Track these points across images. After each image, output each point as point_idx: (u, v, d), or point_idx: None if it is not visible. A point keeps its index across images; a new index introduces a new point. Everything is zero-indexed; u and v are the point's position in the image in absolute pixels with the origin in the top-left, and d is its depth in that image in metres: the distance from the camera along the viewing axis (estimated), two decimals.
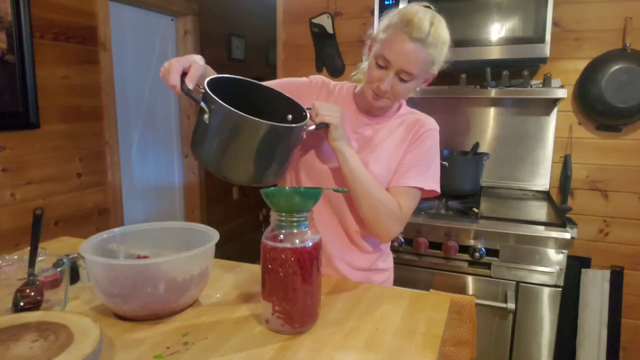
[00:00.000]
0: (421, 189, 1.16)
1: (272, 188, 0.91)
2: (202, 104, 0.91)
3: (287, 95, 1.10)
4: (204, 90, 0.91)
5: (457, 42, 1.89)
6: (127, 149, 2.99)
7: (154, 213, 3.20)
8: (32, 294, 0.90)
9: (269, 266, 0.86)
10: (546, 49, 1.81)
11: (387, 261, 1.29)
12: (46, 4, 2.19)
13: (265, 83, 1.16)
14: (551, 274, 1.63)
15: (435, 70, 1.10)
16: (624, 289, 2.08)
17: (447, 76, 2.28)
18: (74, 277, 1.08)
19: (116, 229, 1.03)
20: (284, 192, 0.90)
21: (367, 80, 1.11)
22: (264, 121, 0.90)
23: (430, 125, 1.19)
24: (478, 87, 2.05)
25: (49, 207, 2.22)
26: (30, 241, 0.97)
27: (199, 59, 0.97)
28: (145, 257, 1.04)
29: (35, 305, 0.90)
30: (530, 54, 1.84)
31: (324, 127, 1.05)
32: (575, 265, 2.09)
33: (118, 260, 0.98)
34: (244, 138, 0.92)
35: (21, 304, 0.89)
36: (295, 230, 0.86)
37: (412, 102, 2.37)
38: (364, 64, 1.20)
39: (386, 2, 2.00)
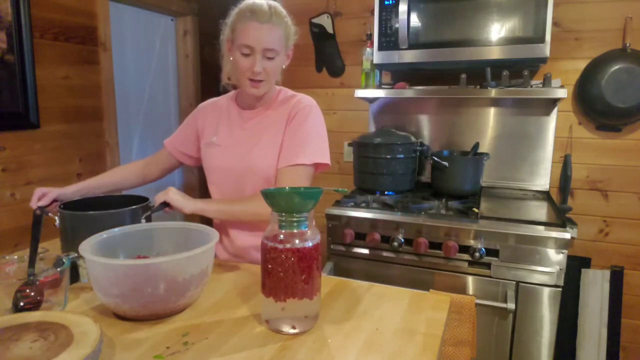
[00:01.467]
0: (306, 165, 1.24)
1: (272, 188, 0.92)
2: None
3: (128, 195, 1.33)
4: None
5: (457, 42, 1.88)
6: (127, 149, 2.99)
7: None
8: (32, 294, 0.90)
9: (269, 266, 0.86)
10: (546, 49, 1.81)
11: None
12: (46, 4, 2.19)
13: (169, 139, 1.50)
14: (551, 274, 1.63)
15: (291, 43, 1.26)
16: (624, 289, 2.08)
17: (447, 76, 2.30)
18: (74, 277, 1.08)
19: (116, 229, 1.03)
20: (283, 193, 0.90)
21: (240, 73, 1.22)
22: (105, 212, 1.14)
23: (305, 102, 1.29)
24: (478, 87, 2.05)
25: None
26: (30, 241, 0.97)
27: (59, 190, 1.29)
28: (145, 257, 1.04)
29: (35, 305, 0.90)
30: (530, 54, 1.84)
31: (165, 206, 1.20)
32: (575, 265, 2.09)
33: (118, 260, 0.98)
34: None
35: (21, 304, 0.89)
36: (295, 230, 0.86)
37: (412, 102, 2.38)
38: (226, 69, 1.33)
39: (386, 2, 2.00)
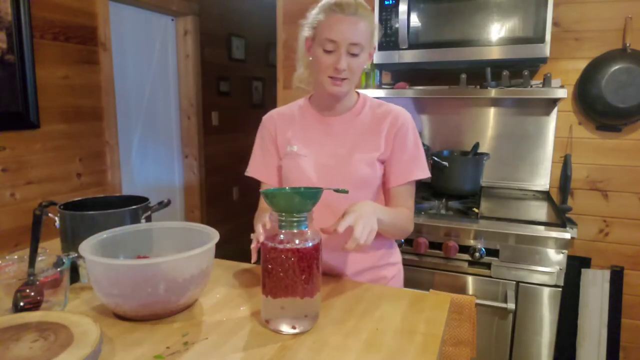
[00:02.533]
0: (416, 180, 1.21)
1: (272, 188, 0.92)
2: None
3: None
4: None
5: (457, 42, 1.88)
6: (127, 149, 2.99)
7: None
8: (32, 294, 0.90)
9: (269, 266, 0.86)
10: (546, 49, 1.81)
11: (395, 254, 1.30)
12: (46, 4, 2.19)
13: (252, 170, 1.31)
14: (551, 274, 1.63)
15: (375, 41, 1.17)
16: (624, 289, 2.08)
17: (447, 76, 2.29)
18: (74, 277, 1.08)
19: (116, 229, 1.03)
20: (283, 193, 0.90)
21: (321, 71, 1.13)
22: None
23: (404, 115, 1.22)
24: (478, 87, 2.05)
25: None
26: (30, 241, 0.97)
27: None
28: (145, 257, 1.04)
29: (35, 305, 0.90)
30: (530, 54, 1.83)
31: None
32: (575, 265, 2.09)
33: (118, 260, 0.98)
34: None
35: (21, 304, 0.89)
36: (295, 231, 0.86)
37: (412, 102, 2.38)
38: (299, 72, 1.27)
39: (386, 2, 2.00)
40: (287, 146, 1.23)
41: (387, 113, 1.20)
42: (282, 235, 0.86)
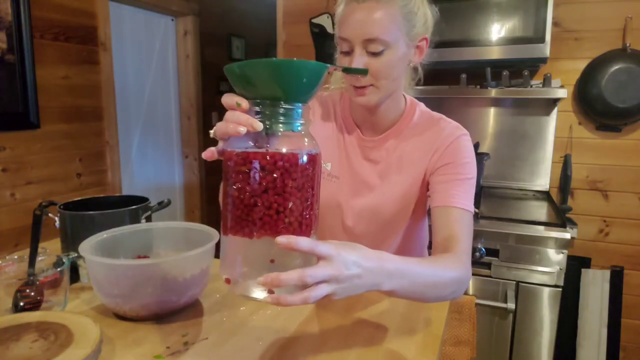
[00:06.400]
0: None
1: (241, 62, 0.56)
2: None
3: None
4: None
5: (457, 42, 1.87)
6: (127, 149, 2.99)
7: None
8: (32, 294, 0.90)
9: (237, 186, 0.54)
10: (546, 49, 1.81)
11: None
12: (46, 4, 2.19)
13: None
14: (551, 274, 1.63)
15: (418, 30, 0.92)
16: (624, 289, 2.08)
17: (447, 76, 2.29)
18: (74, 277, 1.08)
19: (116, 229, 1.03)
20: (261, 61, 0.54)
21: (345, 80, 0.95)
22: None
23: (460, 132, 1.00)
24: (478, 87, 2.05)
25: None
26: (30, 241, 0.97)
27: None
28: (145, 257, 1.04)
29: (35, 305, 0.90)
30: (530, 54, 1.84)
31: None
32: (575, 265, 2.09)
33: (118, 260, 0.98)
34: None
35: (21, 304, 0.89)
36: (280, 131, 0.56)
37: None
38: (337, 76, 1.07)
39: None
40: (322, 163, 1.02)
41: (442, 129, 1.00)
42: (258, 138, 0.54)
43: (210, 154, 0.60)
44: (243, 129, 0.53)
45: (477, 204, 1.92)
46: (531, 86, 1.99)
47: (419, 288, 0.75)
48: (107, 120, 2.58)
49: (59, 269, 0.93)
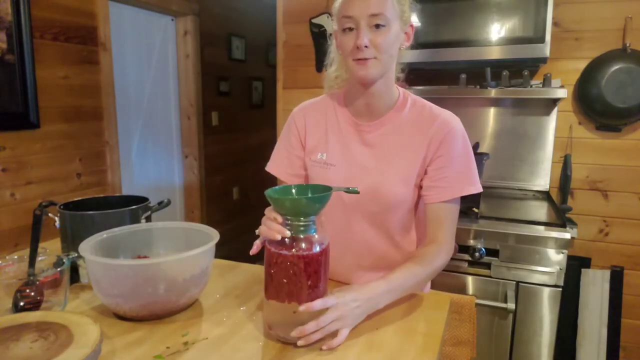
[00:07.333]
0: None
1: (276, 188, 0.88)
2: None
3: None
4: None
5: (457, 42, 1.88)
6: (127, 149, 2.99)
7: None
8: (32, 294, 0.90)
9: (272, 271, 0.82)
10: (546, 49, 1.81)
11: None
12: (46, 4, 2.19)
13: (272, 166, 1.20)
14: (551, 274, 1.63)
15: (407, 16, 1.02)
16: (624, 289, 2.08)
17: (447, 76, 2.29)
18: (74, 277, 1.08)
19: (116, 229, 1.03)
20: (289, 197, 0.85)
21: (346, 56, 1.01)
22: None
23: (454, 120, 1.06)
24: (478, 87, 2.05)
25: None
26: (30, 241, 0.97)
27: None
28: (145, 257, 1.05)
29: (35, 305, 0.90)
30: (530, 54, 1.83)
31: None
32: (575, 265, 2.09)
33: (118, 260, 0.98)
34: None
35: (21, 304, 0.89)
36: (302, 236, 0.81)
37: None
38: (330, 70, 1.15)
39: None
40: (318, 153, 1.11)
41: (435, 116, 1.05)
42: (287, 240, 0.81)
43: (256, 248, 0.88)
44: (278, 236, 0.81)
45: (477, 203, 1.92)
46: (531, 86, 1.99)
47: (409, 290, 0.98)
48: (107, 120, 2.58)
49: (59, 269, 0.93)
